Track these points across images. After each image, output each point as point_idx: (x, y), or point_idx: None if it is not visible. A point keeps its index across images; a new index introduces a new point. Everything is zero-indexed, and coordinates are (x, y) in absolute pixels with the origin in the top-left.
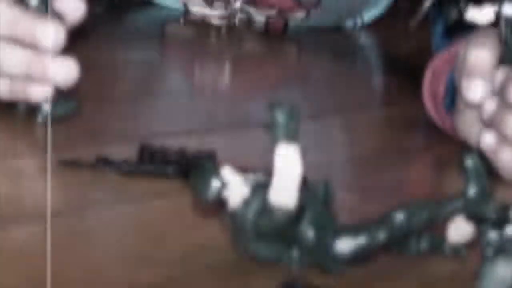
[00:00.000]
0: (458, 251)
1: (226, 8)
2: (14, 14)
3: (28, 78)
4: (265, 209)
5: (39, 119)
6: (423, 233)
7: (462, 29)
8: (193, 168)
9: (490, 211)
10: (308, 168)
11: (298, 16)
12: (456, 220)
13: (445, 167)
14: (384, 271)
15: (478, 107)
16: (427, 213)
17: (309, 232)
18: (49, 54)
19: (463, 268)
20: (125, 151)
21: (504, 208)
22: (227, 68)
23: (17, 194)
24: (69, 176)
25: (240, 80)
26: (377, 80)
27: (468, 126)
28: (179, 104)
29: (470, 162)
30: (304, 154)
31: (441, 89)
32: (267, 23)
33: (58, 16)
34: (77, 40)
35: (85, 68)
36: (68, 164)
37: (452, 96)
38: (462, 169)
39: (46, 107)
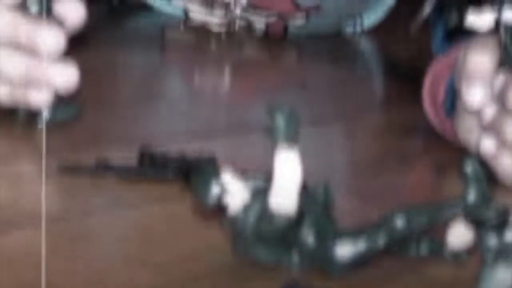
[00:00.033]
0: (458, 255)
1: (226, 13)
2: (14, 19)
3: (28, 83)
4: (265, 213)
5: (39, 124)
6: (422, 237)
7: (462, 34)
8: (194, 172)
9: (490, 215)
10: (308, 172)
11: (298, 20)
12: (456, 225)
13: (445, 172)
14: (384, 275)
15: (477, 112)
16: (426, 217)
17: (309, 236)
18: (49, 59)
19: (463, 272)
20: (125, 156)
21: (504, 213)
22: (227, 73)
23: (17, 198)
24: (69, 180)
25: (240, 85)
26: (377, 84)
27: (468, 131)
28: (179, 109)
29: (469, 166)
30: (304, 159)
31: (441, 93)
32: (267, 28)
33: (58, 21)
34: (77, 45)
35: (85, 73)
36: (68, 169)
37: (452, 100)
38: (462, 173)
39: (46, 113)
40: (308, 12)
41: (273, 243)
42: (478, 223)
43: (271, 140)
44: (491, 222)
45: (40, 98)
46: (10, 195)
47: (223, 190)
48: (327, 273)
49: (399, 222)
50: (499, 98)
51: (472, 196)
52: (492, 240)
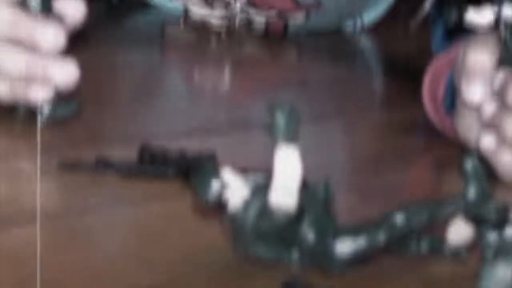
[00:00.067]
0: (458, 252)
1: (226, 11)
2: (15, 16)
3: (28, 80)
4: (265, 210)
5: (39, 121)
6: (423, 235)
7: (462, 32)
8: (194, 170)
9: (490, 212)
10: (308, 169)
11: (298, 17)
12: (456, 222)
13: (445, 169)
14: (384, 272)
15: (477, 109)
16: (426, 214)
17: (309, 233)
18: (49, 56)
19: (463, 270)
20: (125, 153)
21: (504, 210)
22: (227, 70)
23: (16, 195)
24: (69, 178)
25: (240, 82)
26: (377, 82)
27: (468, 128)
28: (179, 106)
29: (469, 164)
30: (304, 156)
31: (441, 91)
32: (267, 25)
33: (58, 18)
34: (77, 43)
35: (85, 70)
36: (68, 166)
37: (452, 98)
38: (462, 170)
39: (47, 109)
40: (308, 10)
41: (273, 241)
42: (478, 221)
43: (271, 137)
44: (491, 219)
45: (40, 95)
46: (10, 192)
47: (223, 188)
48: (327, 271)
49: (399, 220)
50: (499, 95)
51: (472, 193)
52: (492, 237)
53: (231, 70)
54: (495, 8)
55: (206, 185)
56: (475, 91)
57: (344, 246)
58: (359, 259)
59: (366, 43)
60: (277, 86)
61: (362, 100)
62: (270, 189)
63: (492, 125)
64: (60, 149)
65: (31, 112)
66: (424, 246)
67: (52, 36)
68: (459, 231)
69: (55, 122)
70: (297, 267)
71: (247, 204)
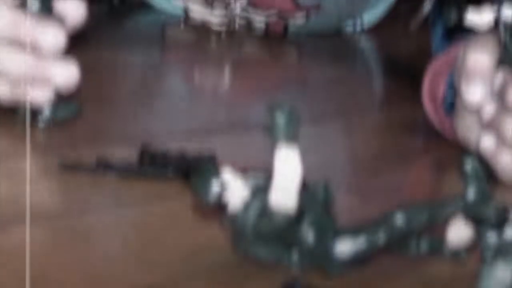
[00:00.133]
0: (457, 253)
1: (226, 12)
2: (15, 17)
3: (29, 81)
4: (265, 211)
5: (40, 122)
6: (422, 235)
7: (461, 32)
8: (194, 170)
9: (490, 213)
10: (308, 170)
11: (298, 18)
12: (456, 223)
13: (445, 170)
14: (384, 273)
15: (477, 110)
16: (426, 214)
17: (309, 234)
18: (49, 57)
19: (462, 270)
20: (125, 154)
21: (503, 210)
22: (227, 71)
23: (17, 196)
24: (69, 178)
25: (240, 83)
26: (377, 83)
27: (467, 129)
28: (179, 107)
29: (469, 164)
30: (304, 157)
31: (441, 91)
32: (267, 26)
33: (59, 19)
34: (77, 44)
35: (86, 71)
36: (68, 167)
37: (452, 98)
38: (462, 171)
39: (47, 110)
40: (308, 11)
41: (273, 241)
42: (477, 221)
43: (271, 138)
44: (490, 220)
45: (40, 96)
46: (10, 193)
47: (223, 188)
48: (327, 271)
49: (399, 220)
50: (499, 96)
51: (471, 194)
52: (491, 238)
53: (231, 70)
54: (495, 9)
55: (206, 185)
56: (475, 92)
57: (344, 247)
58: (359, 260)
59: (366, 43)
60: (277, 86)
61: (362, 101)
62: (270, 189)
63: (492, 126)
64: (60, 150)
65: (31, 113)
66: (424, 246)
67: (52, 37)
68: (458, 232)
69: (56, 123)
70: (297, 268)
71: (247, 205)
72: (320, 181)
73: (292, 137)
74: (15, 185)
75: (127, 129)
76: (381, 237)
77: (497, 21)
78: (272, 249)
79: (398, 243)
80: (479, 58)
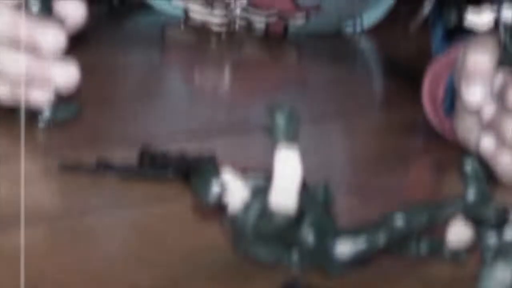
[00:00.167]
0: (457, 254)
1: (226, 13)
2: (15, 18)
3: (29, 82)
4: (265, 211)
5: (40, 123)
6: (422, 236)
7: (461, 33)
8: (194, 172)
9: (489, 214)
10: (308, 171)
11: (298, 18)
12: (456, 224)
13: (445, 171)
14: (384, 274)
15: (477, 111)
16: (426, 215)
17: (309, 235)
18: (49, 58)
19: (462, 271)
20: (125, 155)
21: (503, 211)
22: (227, 72)
23: (17, 197)
24: (69, 179)
25: (240, 84)
26: (377, 83)
27: (467, 130)
28: (179, 108)
29: (469, 165)
30: (304, 157)
31: (441, 92)
32: (267, 27)
33: (59, 20)
34: (77, 45)
35: (86, 72)
36: (68, 168)
37: (452, 99)
38: (461, 172)
39: (47, 111)
40: (308, 12)
41: (273, 242)
42: (477, 222)
43: (271, 139)
44: (490, 221)
45: (40, 97)
46: (10, 194)
47: (223, 189)
48: (327, 272)
49: (399, 221)
50: (499, 97)
51: (471, 195)
52: (491, 239)
53: (231, 71)
54: (495, 9)
55: (206, 186)
56: (475, 93)
57: (344, 248)
58: (359, 261)
59: (365, 44)
60: (277, 87)
61: (362, 101)
62: (270, 190)
63: (492, 127)
64: (60, 151)
65: (31, 114)
66: (424, 247)
67: (52, 38)
68: (458, 233)
69: (56, 124)
70: (297, 269)
71: (247, 206)
72: (320, 181)
73: (292, 138)
74: (15, 186)
75: (127, 130)
76: (381, 237)
77: (497, 22)
78: (272, 249)
79: (398, 244)
80: (479, 59)
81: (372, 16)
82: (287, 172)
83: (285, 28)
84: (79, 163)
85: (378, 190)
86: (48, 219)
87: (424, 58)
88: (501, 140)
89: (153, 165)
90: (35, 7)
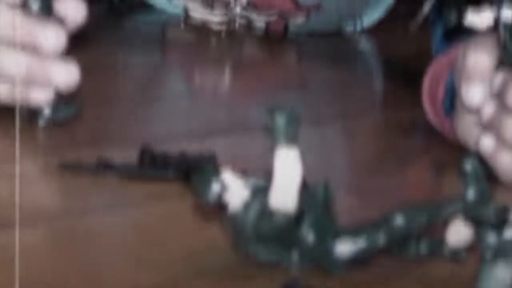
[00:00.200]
0: (457, 254)
1: (226, 12)
2: (15, 18)
3: (29, 82)
4: (265, 212)
5: (40, 123)
6: (422, 236)
7: (461, 33)
8: (194, 171)
9: (489, 214)
10: (308, 171)
11: (298, 18)
12: (456, 223)
13: (444, 170)
14: (384, 273)
15: (477, 110)
16: (426, 215)
17: (309, 235)
18: (50, 57)
19: (462, 271)
20: (126, 154)
21: (503, 211)
22: (227, 72)
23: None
24: (69, 179)
25: (240, 84)
26: (377, 83)
27: (467, 130)
28: (179, 108)
29: (469, 165)
30: (304, 157)
31: (441, 92)
32: (267, 26)
33: (59, 20)
34: (77, 44)
35: (86, 71)
36: (68, 168)
37: (451, 99)
38: (461, 172)
39: (47, 111)
40: (308, 11)
41: (273, 242)
42: (477, 222)
43: (271, 139)
44: (490, 221)
45: (41, 97)
46: (10, 194)
47: (223, 189)
48: (327, 272)
49: (399, 221)
50: (499, 97)
51: (471, 194)
52: (491, 239)
53: (231, 71)
54: (495, 10)
55: (206, 186)
56: (475, 93)
57: (344, 248)
58: (358, 261)
59: (366, 44)
60: (277, 87)
61: (362, 102)
62: (270, 190)
63: (492, 127)
64: (60, 150)
65: (32, 113)
66: (424, 247)
67: (52, 38)
68: (458, 233)
69: (56, 123)
70: (297, 269)
71: (247, 206)
72: (320, 181)
73: (292, 138)
74: (14, 186)
75: (127, 129)
76: (381, 237)
77: (496, 22)
78: (272, 249)
79: (398, 244)
80: (479, 59)
81: (372, 16)
82: (287, 172)
83: (285, 27)
84: (79, 163)
85: (378, 189)
86: (48, 219)
87: (424, 58)
88: (501, 140)
89: (153, 165)
90: (35, 7)
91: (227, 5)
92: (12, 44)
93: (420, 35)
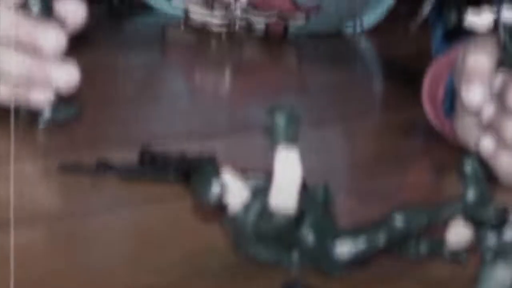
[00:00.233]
0: (457, 255)
1: (226, 14)
2: (16, 19)
3: (29, 83)
4: (265, 212)
5: (41, 124)
6: (422, 237)
7: (461, 34)
8: (194, 172)
9: (489, 215)
10: (308, 172)
11: (298, 19)
12: (456, 224)
13: (444, 171)
14: (384, 274)
15: (477, 111)
16: (426, 216)
17: (309, 236)
18: (50, 58)
19: (462, 272)
20: (126, 156)
21: (503, 212)
22: (227, 73)
23: (17, 198)
24: (69, 180)
25: (240, 85)
26: (377, 84)
27: (467, 131)
28: (179, 109)
29: (469, 166)
30: (304, 158)
31: (441, 93)
32: (267, 27)
33: (59, 21)
34: (77, 45)
35: (86, 73)
36: (68, 168)
37: (451, 100)
38: (461, 173)
39: (48, 112)
40: (308, 12)
41: (273, 243)
42: (477, 223)
43: (271, 140)
44: (490, 222)
45: (41, 98)
46: (10, 195)
47: (223, 190)
48: (327, 273)
49: (399, 222)
50: (499, 98)
51: (471, 195)
52: (491, 240)
53: (231, 71)
54: (494, 10)
55: (206, 187)
56: (475, 93)
57: (344, 248)
58: (358, 261)
59: (365, 45)
60: (277, 88)
61: (362, 103)
62: (270, 191)
63: (492, 127)
64: (60, 151)
65: (32, 115)
66: (424, 248)
67: (53, 39)
68: (458, 233)
69: (56, 125)
70: (297, 269)
71: (247, 206)
72: (320, 182)
73: (292, 139)
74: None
75: (127, 130)
76: (380, 238)
77: (496, 23)
78: (272, 250)
79: (397, 244)
80: (479, 60)
81: (372, 17)
82: (287, 173)
83: (285, 29)
84: (79, 164)
85: (378, 190)
86: (48, 220)
87: (424, 59)
88: (501, 141)
89: (154, 166)
90: (35, 8)
91: (227, 7)
92: (12, 45)
93: (420, 36)
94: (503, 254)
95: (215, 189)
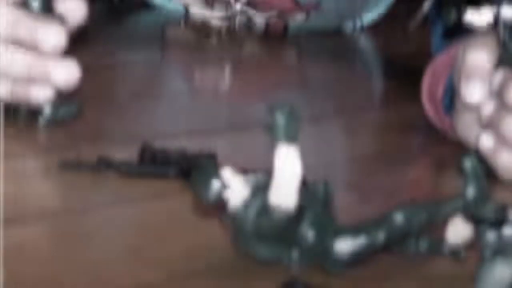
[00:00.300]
0: (456, 252)
1: (226, 11)
2: (16, 16)
3: (30, 80)
4: (265, 209)
5: (41, 121)
6: (422, 234)
7: (461, 31)
8: (194, 169)
9: (489, 212)
10: (308, 169)
11: (298, 17)
12: (455, 221)
13: (444, 169)
14: (383, 272)
15: (476, 108)
16: (426, 213)
17: (309, 233)
18: (50, 56)
19: (461, 269)
20: (126, 153)
21: (503, 209)
22: (227, 70)
23: (18, 195)
24: (70, 177)
25: (240, 82)
26: (377, 82)
27: (467, 128)
28: (180, 106)
29: (468, 163)
30: (304, 155)
31: (440, 90)
32: (267, 25)
33: (59, 19)
34: (78, 43)
35: (86, 70)
36: (69, 166)
37: (451, 98)
38: (461, 170)
39: (48, 110)
40: (308, 10)
41: (273, 240)
42: (477, 220)
43: (271, 138)
44: (490, 219)
45: (41, 95)
46: (10, 193)
47: (223, 187)
48: (327, 270)
49: (399, 219)
50: (498, 95)
51: (471, 193)
52: (490, 237)
53: (231, 70)
54: (494, 8)
55: (206, 184)
56: (474, 91)
57: (344, 246)
58: (358, 259)
59: (365, 43)
60: (277, 86)
61: (362, 100)
62: (270, 188)
63: (491, 125)
64: (61, 149)
65: (32, 112)
66: (423, 245)
67: (53, 37)
68: (458, 231)
69: (56, 122)
70: (296, 267)
71: (247, 204)
72: (319, 180)
73: (292, 137)
74: (15, 185)
75: (127, 128)
76: (380, 236)
77: (496, 21)
78: (272, 247)
79: (397, 242)
80: (479, 57)
81: (371, 15)
82: (287, 170)
83: (285, 27)
84: (80, 161)
85: (378, 188)
86: (48, 217)
87: (423, 57)
88: (500, 138)
89: (154, 163)
90: (35, 5)
91: (227, 5)
92: (13, 43)
93: (419, 33)
94: (503, 251)
95: (215, 186)
